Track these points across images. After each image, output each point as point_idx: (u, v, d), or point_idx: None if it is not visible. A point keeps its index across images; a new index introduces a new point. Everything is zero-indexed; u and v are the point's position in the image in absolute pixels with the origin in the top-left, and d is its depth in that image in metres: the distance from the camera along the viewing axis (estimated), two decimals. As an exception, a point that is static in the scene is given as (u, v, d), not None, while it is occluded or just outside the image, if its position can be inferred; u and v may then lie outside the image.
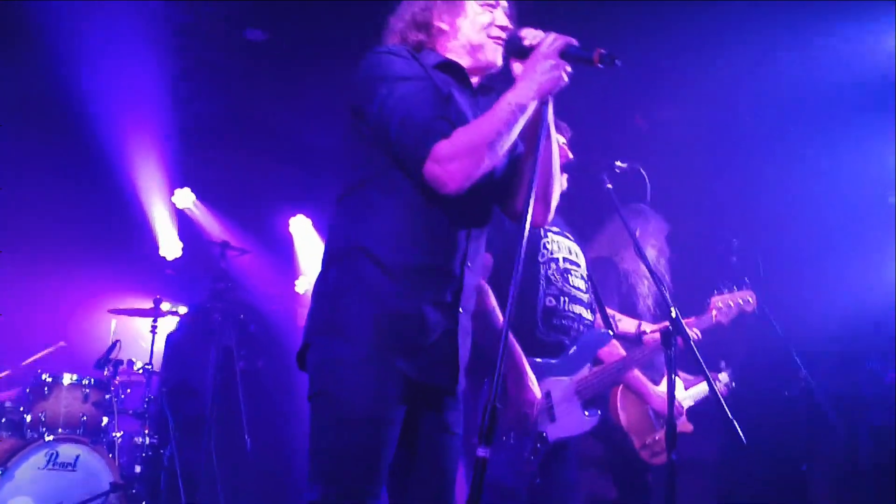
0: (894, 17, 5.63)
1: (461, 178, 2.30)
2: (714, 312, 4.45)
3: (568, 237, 3.90)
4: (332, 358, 2.35)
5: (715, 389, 3.13)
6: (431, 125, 2.33)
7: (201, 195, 8.23)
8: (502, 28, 2.60)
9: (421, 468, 2.48)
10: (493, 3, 2.64)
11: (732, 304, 4.48)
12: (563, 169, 3.86)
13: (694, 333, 4.37)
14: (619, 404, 4.48)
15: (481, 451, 1.99)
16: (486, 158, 2.31)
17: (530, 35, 2.44)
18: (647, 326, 4.55)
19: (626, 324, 4.56)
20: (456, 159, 2.29)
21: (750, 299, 4.53)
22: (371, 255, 2.38)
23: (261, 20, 6.59)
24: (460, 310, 2.46)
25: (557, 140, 3.87)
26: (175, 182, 8.03)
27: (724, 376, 5.01)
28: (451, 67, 2.59)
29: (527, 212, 2.19)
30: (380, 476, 2.33)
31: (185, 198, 8.12)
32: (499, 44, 2.59)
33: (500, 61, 2.62)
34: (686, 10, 5.72)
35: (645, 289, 4.84)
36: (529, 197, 2.20)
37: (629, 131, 7.26)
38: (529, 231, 3.59)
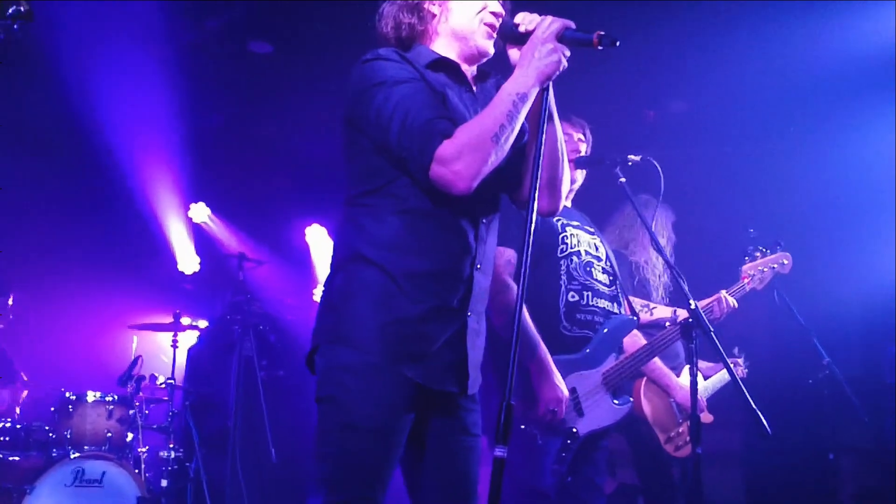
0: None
1: (469, 177, 2.25)
2: (746, 280, 4.40)
3: (588, 231, 3.88)
4: (338, 364, 2.34)
5: (737, 379, 3.11)
6: (432, 126, 2.28)
7: (216, 209, 8.28)
8: (495, 14, 2.53)
9: (442, 472, 2.46)
10: None
11: (766, 269, 4.43)
12: (578, 164, 3.86)
13: (731, 304, 4.32)
14: (643, 397, 4.45)
15: (499, 451, 1.98)
16: (491, 153, 2.26)
17: (525, 20, 2.38)
18: (684, 313, 4.50)
19: (661, 311, 4.52)
20: (461, 158, 2.24)
21: (785, 261, 4.47)
22: (376, 263, 2.36)
23: (264, 33, 6.63)
24: (469, 313, 2.43)
25: (573, 135, 3.89)
26: (190, 197, 8.08)
27: (738, 362, 4.98)
28: (444, 65, 2.53)
29: (533, 199, 2.16)
30: (383, 484, 2.32)
31: (201, 212, 8.16)
32: (491, 31, 2.52)
33: (491, 49, 2.55)
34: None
35: (657, 280, 4.82)
36: (535, 185, 2.17)
37: (640, 124, 7.25)
38: (547, 225, 3.66)
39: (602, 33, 2.26)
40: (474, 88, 2.60)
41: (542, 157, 2.22)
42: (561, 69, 2.30)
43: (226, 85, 7.33)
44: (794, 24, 5.90)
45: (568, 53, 2.31)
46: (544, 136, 2.26)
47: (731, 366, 3.11)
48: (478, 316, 2.49)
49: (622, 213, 4.88)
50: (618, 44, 2.24)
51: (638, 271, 4.82)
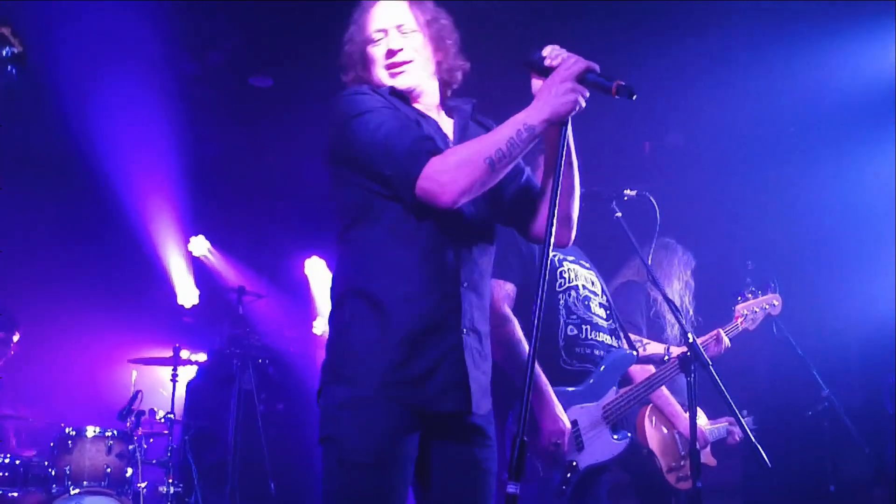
0: (895, 30, 5.65)
1: (454, 191, 2.27)
2: (740, 320, 4.44)
3: (585, 266, 3.89)
4: (335, 402, 2.37)
5: (739, 418, 3.12)
6: (419, 145, 2.33)
7: (216, 241, 8.30)
8: (390, 51, 2.55)
9: None
10: (378, 35, 2.59)
11: (758, 310, 4.49)
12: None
13: (724, 343, 4.34)
14: (646, 425, 4.44)
15: (511, 488, 1.96)
16: (481, 172, 2.26)
17: (552, 54, 2.36)
18: (676, 350, 4.50)
19: (654, 347, 4.53)
20: (448, 171, 2.27)
21: (775, 302, 4.54)
22: (367, 295, 2.38)
23: (265, 67, 6.69)
24: (463, 330, 2.42)
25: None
26: (190, 230, 8.11)
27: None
28: (403, 96, 2.56)
29: (550, 234, 2.14)
30: None
31: (200, 245, 8.18)
32: (394, 67, 2.54)
33: (412, 81, 2.56)
34: (688, 32, 5.77)
35: (673, 317, 4.81)
36: (552, 219, 2.15)
37: (638, 158, 7.28)
38: (547, 256, 3.66)
39: (622, 83, 2.22)
40: (439, 118, 2.63)
41: (558, 193, 2.20)
42: (577, 109, 2.27)
43: (226, 118, 7.39)
44: (791, 55, 5.95)
45: (587, 95, 2.28)
46: (562, 171, 2.24)
47: (732, 403, 3.11)
48: (478, 335, 2.48)
49: (644, 248, 4.90)
50: (635, 97, 2.21)
51: (655, 304, 4.83)
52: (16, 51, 2.66)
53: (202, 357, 7.31)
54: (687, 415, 4.41)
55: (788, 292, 4.65)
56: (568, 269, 3.76)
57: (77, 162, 7.06)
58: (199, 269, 8.29)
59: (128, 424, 5.85)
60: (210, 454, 6.86)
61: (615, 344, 3.81)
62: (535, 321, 2.06)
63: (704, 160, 6.98)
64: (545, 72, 2.35)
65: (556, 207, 2.17)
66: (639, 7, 5.60)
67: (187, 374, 7.22)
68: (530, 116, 2.29)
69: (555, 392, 3.45)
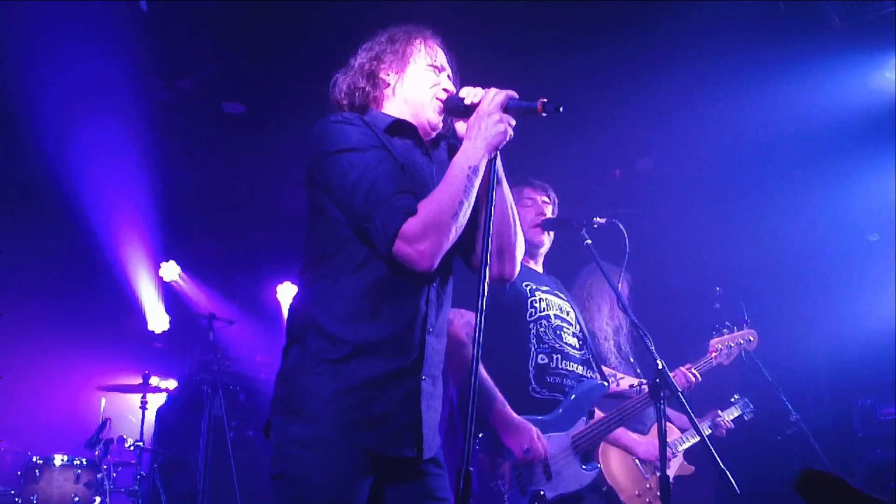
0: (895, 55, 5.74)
1: (432, 256, 2.29)
2: (714, 354, 4.43)
3: (560, 296, 3.90)
4: (291, 439, 2.33)
5: (704, 438, 3.14)
6: (397, 202, 2.31)
7: (187, 267, 8.25)
8: (447, 91, 2.59)
9: None
10: (438, 66, 2.65)
11: (733, 345, 4.48)
12: (545, 226, 3.92)
13: (693, 376, 4.35)
14: (604, 459, 4.43)
15: None
16: (452, 230, 2.30)
17: (470, 93, 2.45)
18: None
19: (628, 381, 4.53)
20: (425, 238, 2.27)
21: (751, 338, 4.53)
22: (328, 333, 2.36)
23: (237, 93, 6.69)
24: (423, 376, 2.42)
25: (537, 199, 3.94)
26: (161, 256, 8.06)
27: (735, 411, 5.01)
28: (401, 127, 2.56)
29: (484, 266, 2.19)
30: None
31: (171, 270, 8.14)
32: (442, 106, 2.57)
33: (440, 124, 2.61)
34: (659, 58, 5.82)
35: (611, 345, 4.83)
36: (486, 252, 2.20)
37: (610, 184, 7.33)
38: (516, 289, 3.68)
39: (545, 100, 2.31)
40: (430, 152, 2.63)
41: (491, 225, 2.26)
42: (508, 138, 2.36)
43: (198, 144, 7.38)
44: (760, 81, 6.02)
45: (514, 122, 2.37)
46: (493, 203, 2.29)
47: (698, 425, 3.14)
48: (433, 379, 2.48)
49: (576, 280, 4.93)
50: (561, 109, 2.29)
51: (592, 338, 4.84)
52: None
53: (172, 384, 7.25)
54: (643, 439, 4.46)
55: (757, 317, 4.67)
56: (540, 299, 3.78)
57: (49, 189, 7.00)
58: (170, 295, 8.24)
59: (96, 453, 5.78)
60: (180, 482, 6.78)
61: (587, 374, 3.82)
62: (475, 356, 2.13)
63: (675, 185, 7.04)
64: (467, 112, 2.44)
65: (490, 240, 2.23)
66: (611, 33, 5.65)
67: (157, 401, 7.16)
68: (470, 157, 2.34)
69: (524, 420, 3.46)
